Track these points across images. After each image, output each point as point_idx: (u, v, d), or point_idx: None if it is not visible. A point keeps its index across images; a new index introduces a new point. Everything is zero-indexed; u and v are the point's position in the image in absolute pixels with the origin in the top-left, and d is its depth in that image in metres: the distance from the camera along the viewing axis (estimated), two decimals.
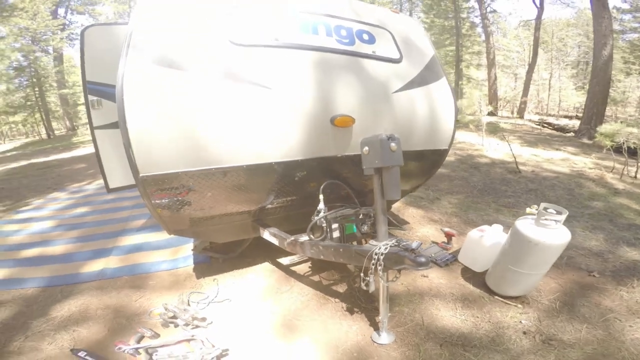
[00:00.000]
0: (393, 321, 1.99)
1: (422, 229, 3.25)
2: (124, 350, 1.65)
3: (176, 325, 1.89)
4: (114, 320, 2.00)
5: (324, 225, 2.02)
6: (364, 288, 1.67)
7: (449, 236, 2.83)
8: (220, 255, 2.65)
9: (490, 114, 10.18)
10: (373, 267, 1.62)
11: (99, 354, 1.70)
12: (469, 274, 2.47)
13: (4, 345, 1.83)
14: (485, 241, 2.40)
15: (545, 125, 13.06)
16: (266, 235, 2.24)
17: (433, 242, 2.92)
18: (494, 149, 7.08)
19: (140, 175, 1.63)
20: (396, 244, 1.63)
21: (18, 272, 2.62)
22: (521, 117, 16.71)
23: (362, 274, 1.68)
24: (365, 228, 2.23)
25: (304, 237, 2.05)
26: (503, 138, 7.17)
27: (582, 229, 3.26)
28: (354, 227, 2.25)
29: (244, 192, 1.97)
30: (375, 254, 1.61)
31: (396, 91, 2.27)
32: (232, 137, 1.76)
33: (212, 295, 2.21)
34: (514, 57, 24.46)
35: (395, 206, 3.78)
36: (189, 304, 2.09)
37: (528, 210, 2.06)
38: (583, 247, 2.87)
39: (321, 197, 2.06)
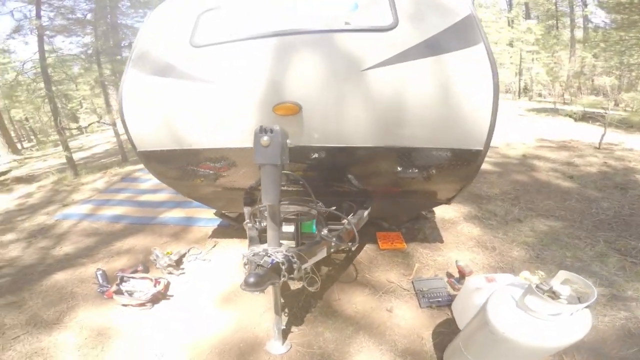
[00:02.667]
0: (301, 336, 1.93)
1: (451, 253, 2.53)
2: (117, 275, 2.55)
3: (157, 267, 2.64)
4: (138, 255, 2.99)
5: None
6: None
7: (461, 273, 2.09)
8: (234, 223, 3.21)
9: None
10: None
11: (107, 275, 2.64)
12: (446, 329, 1.85)
13: (71, 260, 3.17)
14: (481, 296, 1.67)
15: None
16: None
17: (448, 275, 2.26)
18: None
19: (138, 150, 2.32)
20: (263, 253, 1.53)
21: (123, 211, 4.26)
22: None
23: None
24: (324, 231, 2.09)
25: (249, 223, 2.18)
26: None
27: None
28: (313, 226, 2.17)
29: (212, 170, 2.31)
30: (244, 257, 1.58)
31: (371, 67, 1.81)
32: (193, 125, 2.09)
33: (202, 254, 2.83)
34: None
35: (448, 216, 3.02)
36: (184, 255, 2.81)
37: (522, 275, 1.27)
38: None
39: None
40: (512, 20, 16.24)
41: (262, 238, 2.08)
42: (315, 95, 1.85)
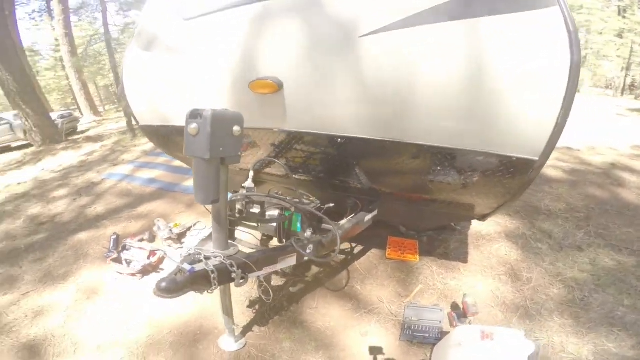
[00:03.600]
0: (259, 338, 1.80)
1: (470, 279, 2.07)
2: (123, 242, 2.68)
3: (159, 238, 2.71)
4: (152, 222, 3.11)
5: (244, 204, 1.90)
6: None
7: (464, 311, 1.65)
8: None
9: None
10: None
11: (119, 240, 2.81)
12: None
13: (99, 221, 3.44)
14: (465, 355, 1.27)
15: None
16: None
17: (452, 307, 1.84)
18: None
19: (140, 124, 2.37)
20: (198, 255, 1.35)
21: (156, 175, 4.53)
22: None
23: None
24: (308, 232, 1.85)
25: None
26: None
27: None
28: (298, 225, 1.94)
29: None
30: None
31: (373, 32, 1.41)
32: (178, 102, 2.03)
33: (206, 230, 2.82)
34: None
35: (487, 230, 2.48)
36: (188, 229, 2.85)
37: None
38: None
39: (250, 173, 1.94)
40: (625, 10, 13.92)
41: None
42: (299, 70, 1.57)
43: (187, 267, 1.24)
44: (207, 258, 1.34)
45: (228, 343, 1.74)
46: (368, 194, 1.99)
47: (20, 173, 6.22)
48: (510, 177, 1.39)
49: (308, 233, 1.81)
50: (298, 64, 1.54)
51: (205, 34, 1.83)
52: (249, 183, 1.97)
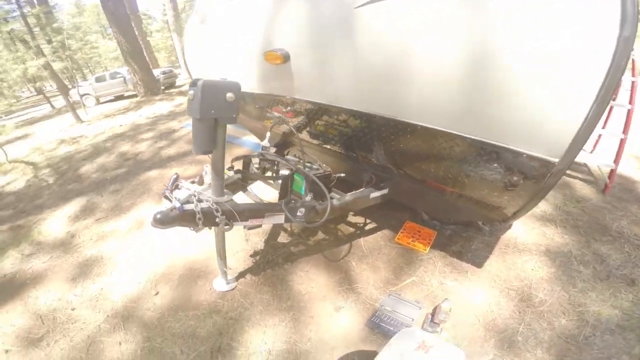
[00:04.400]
0: (247, 285, 2.01)
1: (473, 287, 1.87)
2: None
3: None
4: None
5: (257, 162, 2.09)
6: None
7: (434, 315, 1.53)
8: None
9: None
10: None
11: (179, 182, 3.30)
12: None
13: (169, 161, 4.02)
14: (390, 353, 1.22)
15: None
16: None
17: (434, 310, 1.72)
18: None
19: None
20: (192, 198, 1.56)
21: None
22: None
23: None
24: (308, 197, 1.95)
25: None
26: None
27: None
28: (302, 187, 2.06)
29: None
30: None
31: (368, 2, 1.33)
32: (220, 69, 2.30)
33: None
34: None
35: (523, 239, 2.18)
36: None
37: None
38: None
39: (268, 134, 2.11)
40: None
41: (244, 185, 2.12)
42: (304, 43, 1.64)
43: (177, 205, 1.46)
44: (199, 201, 1.54)
45: (220, 284, 2.00)
46: (379, 170, 1.94)
47: (124, 117, 7.68)
48: (524, 180, 1.19)
49: (309, 197, 1.87)
50: (303, 37, 1.61)
51: (236, 11, 2.01)
52: (265, 142, 2.12)
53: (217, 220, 1.54)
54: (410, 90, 1.28)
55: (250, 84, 2.11)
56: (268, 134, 2.16)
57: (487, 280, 1.88)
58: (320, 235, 2.40)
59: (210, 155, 1.50)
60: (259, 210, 1.70)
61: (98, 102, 12.50)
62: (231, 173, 2.02)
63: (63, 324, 1.96)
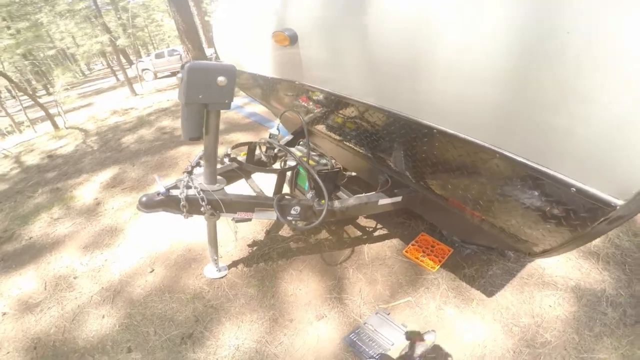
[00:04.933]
0: (237, 276, 2.00)
1: (473, 317, 1.63)
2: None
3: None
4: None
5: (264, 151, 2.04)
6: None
7: (414, 340, 1.34)
8: None
9: None
10: None
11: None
12: None
13: None
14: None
15: None
16: None
17: (419, 336, 1.54)
18: None
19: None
20: (180, 184, 1.54)
21: (257, 109, 5.11)
22: None
23: None
24: (310, 193, 1.85)
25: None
26: None
27: None
28: (306, 183, 1.99)
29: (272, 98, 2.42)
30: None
31: None
32: (242, 52, 2.26)
33: None
34: None
35: (551, 271, 1.86)
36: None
37: None
38: None
39: (277, 121, 2.08)
40: None
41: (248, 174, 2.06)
42: (312, 23, 1.50)
43: (162, 190, 1.45)
44: (187, 187, 1.51)
45: (210, 270, 2.00)
46: (394, 175, 1.75)
47: (173, 93, 8.11)
48: (566, 217, 0.90)
49: (310, 194, 1.77)
50: (309, 15, 1.48)
51: None
52: (273, 130, 2.04)
53: (202, 209, 1.51)
54: (439, 88, 1.03)
55: (264, 67, 2.04)
56: (277, 121, 2.06)
57: (493, 311, 1.64)
58: (324, 234, 2.28)
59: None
60: (248, 204, 1.64)
61: (156, 77, 13.45)
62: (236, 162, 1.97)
63: (62, 291, 2.10)
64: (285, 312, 1.75)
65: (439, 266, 1.93)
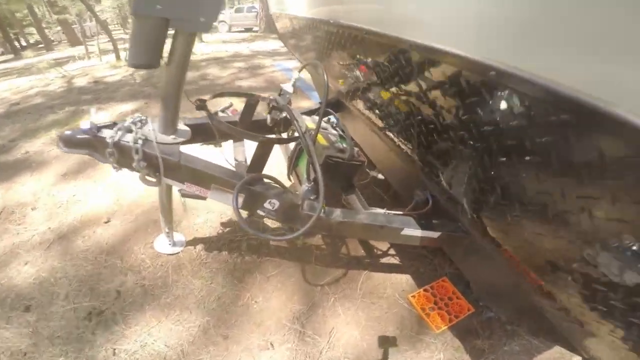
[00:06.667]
0: (202, 263, 1.65)
1: None
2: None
3: None
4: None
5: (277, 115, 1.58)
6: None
7: None
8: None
9: None
10: None
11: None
12: None
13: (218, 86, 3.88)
14: None
15: None
16: None
17: None
18: None
19: (270, 11, 2.62)
20: (125, 127, 1.17)
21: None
22: None
23: None
24: (306, 186, 1.38)
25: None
26: None
27: None
28: (304, 169, 1.48)
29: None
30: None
31: None
32: None
33: None
34: None
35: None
36: None
37: None
38: None
39: (294, 74, 1.55)
40: None
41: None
42: None
43: (87, 126, 1.11)
44: (129, 131, 1.16)
45: (161, 244, 1.67)
46: (441, 198, 1.20)
47: (234, 46, 8.18)
48: None
49: (306, 187, 1.28)
50: None
51: None
52: (286, 86, 1.54)
53: (134, 164, 1.13)
54: None
55: (297, 5, 1.69)
56: (295, 74, 1.52)
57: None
58: (316, 239, 1.81)
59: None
60: (203, 175, 1.21)
61: (229, 30, 13.75)
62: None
63: (12, 222, 1.94)
64: (224, 324, 1.35)
65: (445, 327, 1.38)
